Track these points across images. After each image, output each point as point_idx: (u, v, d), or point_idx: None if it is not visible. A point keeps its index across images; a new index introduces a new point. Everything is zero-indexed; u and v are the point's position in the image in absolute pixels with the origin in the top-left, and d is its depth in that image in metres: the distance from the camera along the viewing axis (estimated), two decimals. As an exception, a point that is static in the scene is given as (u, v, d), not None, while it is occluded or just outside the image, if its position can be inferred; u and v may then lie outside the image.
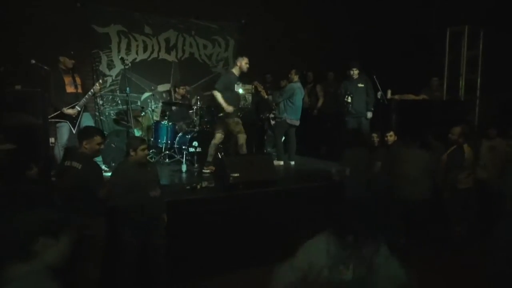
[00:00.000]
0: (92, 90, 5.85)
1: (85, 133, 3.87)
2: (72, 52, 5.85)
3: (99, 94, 6.89)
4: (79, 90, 5.82)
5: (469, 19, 8.34)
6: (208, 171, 6.17)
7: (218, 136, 6.25)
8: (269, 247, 4.86)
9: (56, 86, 5.69)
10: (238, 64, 6.16)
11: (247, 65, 6.14)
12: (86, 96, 5.79)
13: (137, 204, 3.82)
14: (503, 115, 7.62)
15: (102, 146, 3.90)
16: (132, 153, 3.92)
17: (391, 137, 5.71)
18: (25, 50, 6.47)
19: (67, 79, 5.74)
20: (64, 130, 5.66)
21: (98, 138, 3.78)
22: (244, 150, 6.20)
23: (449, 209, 5.39)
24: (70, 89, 5.75)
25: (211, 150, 6.24)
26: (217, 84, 6.14)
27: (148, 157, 4.24)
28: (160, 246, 4.06)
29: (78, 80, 5.85)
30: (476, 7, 8.60)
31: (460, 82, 8.41)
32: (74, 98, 5.72)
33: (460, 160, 5.26)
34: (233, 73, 6.23)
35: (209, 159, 6.24)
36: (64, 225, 1.69)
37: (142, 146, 3.93)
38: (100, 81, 6.33)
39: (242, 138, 6.20)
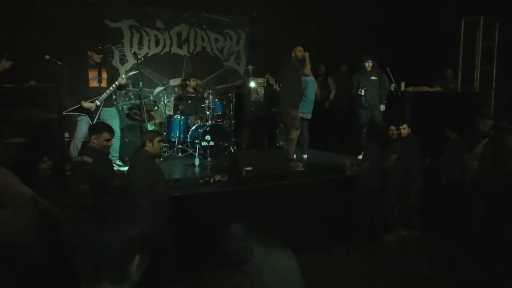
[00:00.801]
0: (116, 83, 5.79)
1: (94, 128, 3.95)
2: (100, 47, 5.92)
3: (128, 87, 6.77)
4: (103, 85, 5.82)
5: (484, 10, 8.20)
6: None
7: (294, 133, 6.15)
8: (282, 241, 4.87)
9: (79, 80, 5.77)
10: (293, 54, 6.12)
11: (301, 52, 6.07)
12: (108, 90, 5.77)
13: (159, 194, 3.87)
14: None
15: (111, 143, 3.96)
16: (149, 144, 3.97)
17: (404, 129, 5.65)
18: (39, 45, 6.53)
19: (92, 74, 5.79)
20: (83, 124, 5.68)
21: (106, 135, 3.86)
22: (293, 146, 6.15)
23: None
24: (93, 83, 5.79)
25: (289, 147, 6.18)
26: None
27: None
28: (167, 240, 4.11)
29: (104, 74, 5.87)
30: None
31: (475, 74, 8.27)
32: (95, 93, 5.74)
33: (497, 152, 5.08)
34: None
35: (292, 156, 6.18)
36: (150, 238, 1.45)
37: (158, 138, 4.02)
38: (124, 75, 6.17)
39: (294, 133, 6.13)
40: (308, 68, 6.07)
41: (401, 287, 4.38)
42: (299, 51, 6.03)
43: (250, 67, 8.45)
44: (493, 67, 8.25)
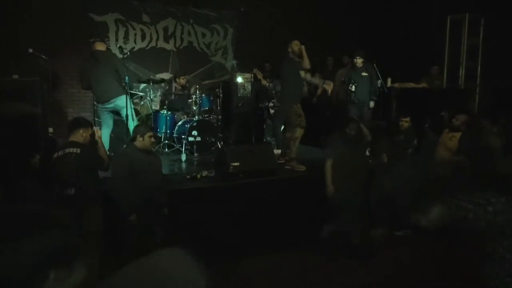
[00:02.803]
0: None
1: (80, 123, 3.86)
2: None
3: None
4: None
5: (469, 7, 8.29)
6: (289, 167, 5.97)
7: (298, 131, 5.93)
8: (269, 236, 4.89)
9: None
10: (290, 50, 5.99)
11: (297, 46, 5.93)
12: None
13: (142, 187, 3.85)
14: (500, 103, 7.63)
15: (92, 138, 3.96)
16: (140, 139, 4.01)
17: (406, 122, 5.67)
18: (22, 39, 6.42)
19: None
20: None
21: (91, 130, 3.89)
22: (295, 144, 5.95)
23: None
24: None
25: (291, 145, 5.98)
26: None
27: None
28: (160, 237, 4.09)
29: None
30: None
31: (460, 71, 8.39)
32: None
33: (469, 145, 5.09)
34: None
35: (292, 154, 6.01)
36: (79, 249, 1.25)
37: (150, 133, 4.05)
38: None
39: (299, 131, 5.92)
40: (306, 62, 5.89)
41: (385, 280, 4.42)
42: (295, 45, 5.91)
43: (234, 62, 8.40)
44: (477, 64, 8.36)
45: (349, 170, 4.85)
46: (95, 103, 5.79)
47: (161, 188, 4.18)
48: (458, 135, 5.18)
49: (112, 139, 6.29)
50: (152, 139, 4.05)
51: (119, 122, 6.64)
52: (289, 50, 5.94)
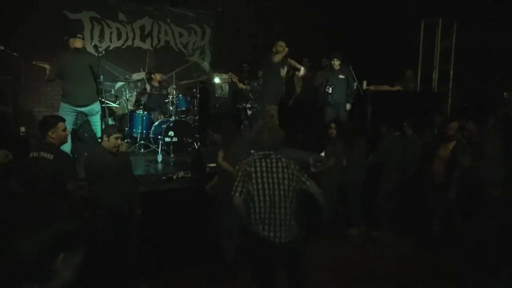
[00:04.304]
0: None
1: (47, 123, 3.76)
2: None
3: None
4: None
5: (443, 11, 8.49)
6: None
7: None
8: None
9: None
10: (274, 50, 5.94)
11: (282, 47, 5.89)
12: None
13: (109, 190, 3.78)
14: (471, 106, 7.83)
15: (68, 132, 3.86)
16: (105, 139, 3.92)
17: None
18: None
19: None
20: None
21: (61, 125, 3.77)
22: None
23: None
24: None
25: None
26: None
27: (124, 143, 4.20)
28: (132, 239, 4.04)
29: None
30: (450, 0, 8.75)
31: (434, 74, 8.57)
32: None
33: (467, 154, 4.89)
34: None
35: None
36: (80, 235, 1.49)
37: (116, 135, 3.93)
38: None
39: None
40: (278, 57, 5.83)
41: (359, 281, 4.48)
42: (280, 46, 5.86)
43: (208, 63, 8.35)
44: (450, 68, 8.56)
45: None
46: (66, 104, 5.58)
47: (133, 188, 4.11)
48: (451, 144, 5.25)
49: (86, 139, 6.20)
50: (119, 141, 3.95)
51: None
52: (273, 49, 5.89)
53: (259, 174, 3.12)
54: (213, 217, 4.48)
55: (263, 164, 3.17)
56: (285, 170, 3.21)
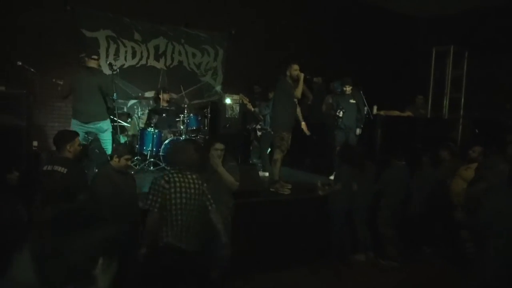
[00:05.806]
0: None
1: (66, 137, 3.85)
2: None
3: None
4: None
5: (454, 40, 8.54)
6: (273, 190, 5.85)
7: (278, 153, 5.83)
8: (253, 258, 4.85)
9: None
10: (288, 73, 5.84)
11: (296, 71, 5.79)
12: None
13: (120, 209, 3.80)
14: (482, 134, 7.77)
15: (81, 147, 4.00)
16: (116, 159, 3.96)
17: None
18: (12, 51, 6.40)
19: None
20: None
21: (78, 140, 3.92)
22: (277, 167, 5.83)
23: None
24: None
25: (272, 167, 5.91)
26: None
27: (132, 165, 4.26)
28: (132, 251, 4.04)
29: None
30: (461, 29, 8.81)
31: (444, 101, 8.57)
32: None
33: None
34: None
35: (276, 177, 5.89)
36: (117, 242, 1.49)
37: (127, 156, 4.00)
38: None
39: (278, 154, 5.79)
40: (299, 91, 5.73)
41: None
42: (294, 70, 5.74)
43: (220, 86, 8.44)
44: (461, 95, 8.57)
45: None
46: (76, 120, 5.65)
47: (135, 207, 4.12)
48: (474, 165, 5.19)
49: (96, 155, 6.24)
50: (129, 163, 4.02)
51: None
52: (287, 73, 5.81)
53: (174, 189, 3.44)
54: None
55: (177, 179, 3.48)
56: (197, 186, 3.55)
